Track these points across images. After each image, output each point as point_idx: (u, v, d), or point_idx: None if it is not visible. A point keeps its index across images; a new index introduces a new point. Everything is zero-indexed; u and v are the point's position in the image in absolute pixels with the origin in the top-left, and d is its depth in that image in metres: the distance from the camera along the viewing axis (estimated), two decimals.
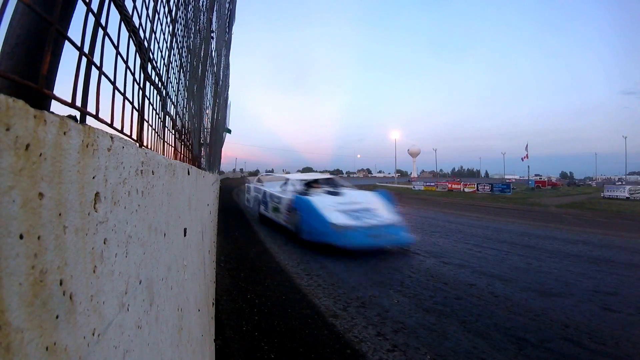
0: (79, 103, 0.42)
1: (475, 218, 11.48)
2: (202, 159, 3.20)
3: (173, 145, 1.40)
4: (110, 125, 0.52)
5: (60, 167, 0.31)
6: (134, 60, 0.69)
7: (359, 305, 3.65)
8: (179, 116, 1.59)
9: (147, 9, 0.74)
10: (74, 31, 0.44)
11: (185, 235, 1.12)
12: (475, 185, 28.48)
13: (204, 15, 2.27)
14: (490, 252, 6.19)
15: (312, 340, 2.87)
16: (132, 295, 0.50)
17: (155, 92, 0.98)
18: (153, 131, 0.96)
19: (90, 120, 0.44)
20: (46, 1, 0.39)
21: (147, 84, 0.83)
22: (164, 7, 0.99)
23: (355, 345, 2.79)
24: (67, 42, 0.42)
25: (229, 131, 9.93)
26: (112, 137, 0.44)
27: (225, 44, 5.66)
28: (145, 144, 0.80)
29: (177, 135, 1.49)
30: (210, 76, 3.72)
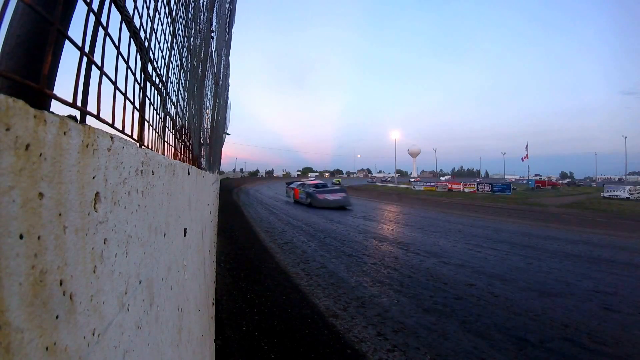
0: (79, 103, 0.42)
1: (475, 218, 11.48)
2: (202, 159, 3.20)
3: (173, 145, 1.40)
4: (112, 125, 0.52)
5: (60, 167, 0.31)
6: (135, 61, 0.69)
7: (359, 305, 3.65)
8: (179, 116, 1.59)
9: (147, 9, 0.74)
10: (75, 31, 0.44)
11: (185, 235, 1.12)
12: (475, 185, 28.50)
13: (204, 15, 2.27)
14: (490, 252, 6.19)
15: (312, 340, 2.87)
16: (132, 295, 0.50)
17: (156, 92, 0.98)
18: (154, 131, 0.96)
19: (92, 121, 0.44)
20: (47, 1, 0.39)
21: (148, 84, 0.83)
22: (165, 8, 0.99)
23: (355, 345, 2.79)
24: (67, 42, 0.42)
25: (227, 134, 9.98)
26: (112, 137, 0.44)
27: (225, 44, 5.66)
28: (145, 143, 0.80)
29: (177, 135, 1.49)
30: (211, 76, 3.72)
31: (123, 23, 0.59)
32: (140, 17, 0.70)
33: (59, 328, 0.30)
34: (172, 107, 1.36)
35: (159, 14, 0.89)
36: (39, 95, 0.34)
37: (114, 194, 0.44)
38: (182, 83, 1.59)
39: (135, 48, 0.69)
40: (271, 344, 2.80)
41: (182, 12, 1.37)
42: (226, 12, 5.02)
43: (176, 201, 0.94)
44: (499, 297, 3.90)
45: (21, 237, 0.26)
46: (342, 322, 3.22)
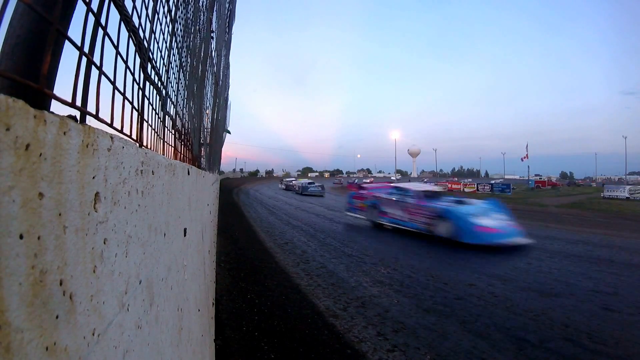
0: (79, 103, 0.42)
1: None
2: (202, 159, 3.19)
3: (173, 145, 1.40)
4: (110, 125, 0.52)
5: (60, 167, 0.31)
6: (134, 60, 0.69)
7: (359, 305, 3.65)
8: (179, 116, 1.58)
9: (146, 8, 0.74)
10: (74, 31, 0.44)
11: (185, 235, 1.12)
12: (475, 185, 28.53)
13: (203, 15, 2.27)
14: (490, 251, 6.19)
15: (312, 340, 2.87)
16: (132, 295, 0.50)
17: (155, 92, 0.97)
18: (153, 131, 0.96)
19: (90, 120, 0.44)
20: (46, 1, 0.39)
21: (147, 83, 0.83)
22: (164, 7, 0.99)
23: (355, 345, 2.79)
24: (67, 42, 0.41)
25: (228, 132, 9.92)
26: (112, 137, 0.44)
27: (225, 44, 5.66)
28: (145, 144, 0.80)
29: (177, 135, 1.49)
30: (210, 76, 3.72)
31: (122, 22, 0.59)
32: (139, 16, 0.69)
33: (59, 328, 0.30)
34: (172, 107, 1.36)
35: (158, 13, 0.89)
36: (39, 95, 0.34)
37: (114, 194, 0.44)
38: (181, 83, 1.59)
39: (134, 47, 0.69)
40: (271, 344, 2.80)
41: (182, 12, 1.37)
42: (226, 12, 5.01)
43: (176, 201, 0.94)
44: (499, 297, 3.90)
45: (21, 237, 0.26)
46: (342, 322, 3.22)
